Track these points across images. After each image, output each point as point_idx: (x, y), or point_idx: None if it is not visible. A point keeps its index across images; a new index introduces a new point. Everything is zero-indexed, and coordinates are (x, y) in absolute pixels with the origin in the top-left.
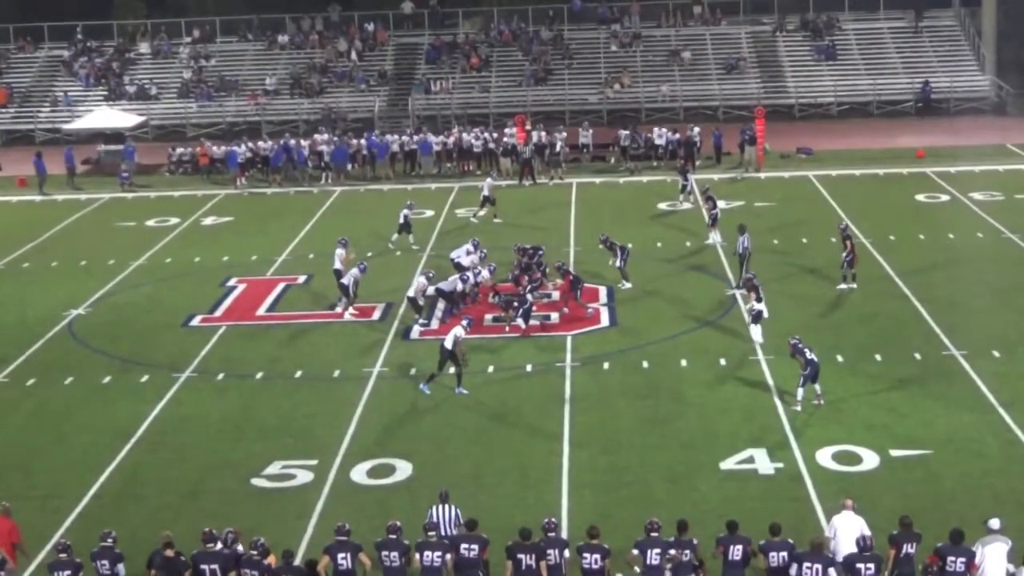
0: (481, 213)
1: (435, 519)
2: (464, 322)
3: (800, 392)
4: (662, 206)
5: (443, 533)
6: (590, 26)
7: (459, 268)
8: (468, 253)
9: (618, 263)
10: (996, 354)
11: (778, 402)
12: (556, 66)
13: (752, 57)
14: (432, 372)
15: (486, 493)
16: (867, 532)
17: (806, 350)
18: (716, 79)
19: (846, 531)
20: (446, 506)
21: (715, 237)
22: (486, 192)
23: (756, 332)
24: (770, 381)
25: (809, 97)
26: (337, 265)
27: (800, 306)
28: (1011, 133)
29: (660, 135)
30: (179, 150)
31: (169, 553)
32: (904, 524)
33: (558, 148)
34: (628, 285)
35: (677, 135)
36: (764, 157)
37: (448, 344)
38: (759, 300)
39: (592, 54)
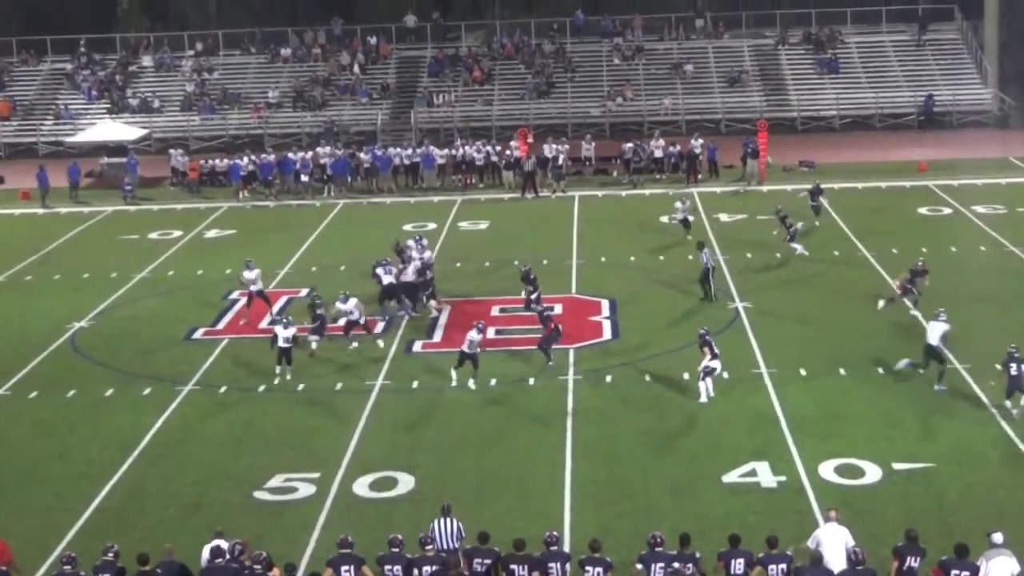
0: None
1: (435, 533)
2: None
3: (1008, 403)
4: (664, 219)
5: (442, 547)
6: (593, 39)
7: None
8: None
9: (533, 296)
10: (997, 367)
11: (780, 415)
12: (559, 79)
13: (754, 70)
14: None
15: (488, 506)
16: (851, 542)
17: (1012, 365)
18: (718, 92)
19: (831, 542)
20: (447, 520)
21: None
22: (682, 215)
23: (703, 388)
24: (772, 394)
25: (812, 110)
26: (259, 285)
27: (803, 319)
28: (1014, 146)
29: (658, 147)
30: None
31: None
32: (910, 537)
33: (560, 161)
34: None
35: (677, 148)
36: (767, 170)
37: None
38: (714, 357)
39: (595, 67)
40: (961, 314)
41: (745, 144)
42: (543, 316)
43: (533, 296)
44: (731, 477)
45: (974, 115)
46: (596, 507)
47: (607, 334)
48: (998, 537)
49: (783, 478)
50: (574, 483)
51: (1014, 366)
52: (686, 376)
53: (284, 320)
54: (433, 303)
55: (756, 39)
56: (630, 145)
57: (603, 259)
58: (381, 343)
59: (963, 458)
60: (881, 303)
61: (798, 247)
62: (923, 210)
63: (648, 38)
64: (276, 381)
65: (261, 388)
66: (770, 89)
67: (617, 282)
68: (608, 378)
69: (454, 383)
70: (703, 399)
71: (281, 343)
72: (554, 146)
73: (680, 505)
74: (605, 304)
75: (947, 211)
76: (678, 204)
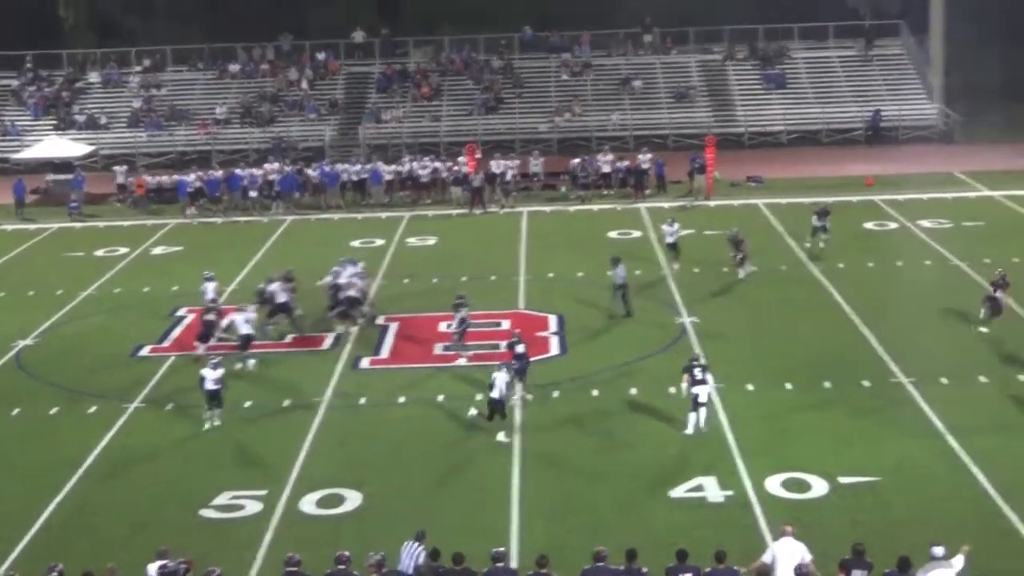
0: (676, 266)
1: (402, 554)
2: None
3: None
4: (612, 234)
5: (401, 568)
6: (541, 55)
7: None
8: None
9: (454, 325)
10: (944, 381)
11: (727, 430)
12: (507, 95)
13: (702, 86)
14: None
15: (436, 522)
16: (808, 557)
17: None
18: (666, 108)
19: (786, 557)
20: (417, 545)
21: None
22: (672, 238)
23: (691, 421)
24: (720, 409)
25: (759, 125)
26: (211, 296)
27: (750, 334)
28: (959, 161)
29: (606, 162)
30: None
31: None
32: (856, 551)
33: (508, 177)
34: (463, 360)
35: (626, 163)
36: (714, 185)
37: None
38: (694, 383)
39: (543, 83)
40: (907, 328)
41: (693, 159)
42: (509, 344)
43: (453, 325)
44: (678, 492)
45: (920, 130)
46: (545, 523)
47: (555, 350)
48: (938, 550)
49: (730, 493)
50: (522, 499)
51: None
52: (633, 391)
53: (213, 361)
54: (340, 324)
55: (704, 55)
56: (578, 160)
57: (551, 275)
58: (252, 362)
59: (909, 472)
60: (984, 329)
61: (743, 272)
62: (870, 225)
63: (596, 54)
64: (206, 427)
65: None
66: (718, 104)
67: (565, 298)
68: (556, 394)
69: (502, 439)
70: (688, 431)
71: (210, 385)
72: (502, 162)
73: (628, 520)
74: (553, 320)
75: (893, 226)
76: (665, 227)
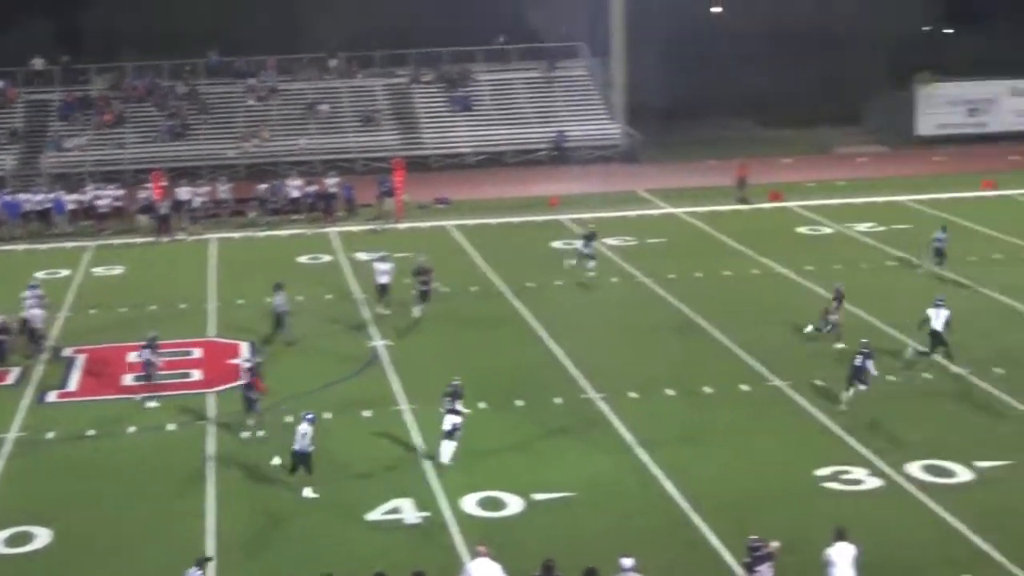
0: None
1: None
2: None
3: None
4: (302, 259)
5: None
6: (227, 80)
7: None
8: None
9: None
10: (633, 395)
11: (422, 450)
12: (193, 121)
13: (388, 109)
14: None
15: (131, 558)
16: None
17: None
18: (353, 131)
19: None
20: (196, 571)
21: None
22: (385, 280)
23: (445, 448)
24: (414, 430)
25: (445, 148)
26: None
27: (443, 355)
28: (642, 179)
29: (295, 187)
30: None
31: None
32: (546, 567)
33: (195, 204)
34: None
35: (314, 187)
36: (403, 208)
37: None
38: (449, 412)
39: (230, 108)
40: (596, 344)
41: (381, 182)
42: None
43: (145, 358)
44: (375, 515)
45: (603, 150)
46: (242, 555)
47: (246, 377)
48: (627, 561)
49: (427, 514)
50: (220, 531)
51: (859, 358)
52: (328, 416)
53: None
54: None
55: (389, 78)
56: (266, 186)
57: (241, 301)
58: None
59: (602, 487)
60: (840, 344)
61: (418, 310)
62: (556, 244)
63: (282, 79)
64: None
65: None
66: (404, 127)
67: (256, 324)
68: (250, 421)
69: (310, 494)
70: (444, 459)
71: None
72: (189, 188)
73: (325, 547)
74: (244, 347)
75: (579, 244)
76: (377, 263)
